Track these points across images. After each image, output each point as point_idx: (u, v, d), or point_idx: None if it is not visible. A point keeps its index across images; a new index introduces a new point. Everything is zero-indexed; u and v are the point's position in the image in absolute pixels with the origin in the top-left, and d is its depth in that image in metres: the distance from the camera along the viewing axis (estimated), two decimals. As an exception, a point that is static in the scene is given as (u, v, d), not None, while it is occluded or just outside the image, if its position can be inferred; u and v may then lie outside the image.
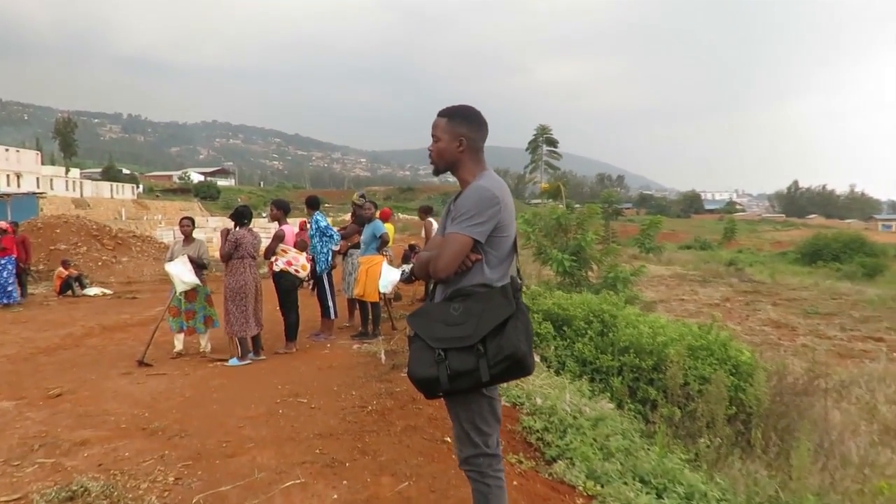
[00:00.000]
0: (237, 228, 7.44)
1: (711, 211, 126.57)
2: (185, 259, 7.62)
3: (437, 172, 2.77)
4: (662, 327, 7.36)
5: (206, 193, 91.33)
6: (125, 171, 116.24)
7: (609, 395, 6.30)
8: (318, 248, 8.48)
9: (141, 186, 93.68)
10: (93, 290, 15.13)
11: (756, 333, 15.20)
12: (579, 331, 7.28)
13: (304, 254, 7.93)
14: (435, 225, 10.81)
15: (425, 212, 11.17)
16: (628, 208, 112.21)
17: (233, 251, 7.27)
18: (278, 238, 7.70)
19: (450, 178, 2.82)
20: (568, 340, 7.22)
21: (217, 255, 7.87)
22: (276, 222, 7.92)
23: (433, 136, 2.71)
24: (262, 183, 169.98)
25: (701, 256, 41.37)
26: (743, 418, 6.29)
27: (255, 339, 7.47)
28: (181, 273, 7.52)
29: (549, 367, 6.69)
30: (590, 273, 12.91)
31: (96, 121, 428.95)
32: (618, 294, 10.58)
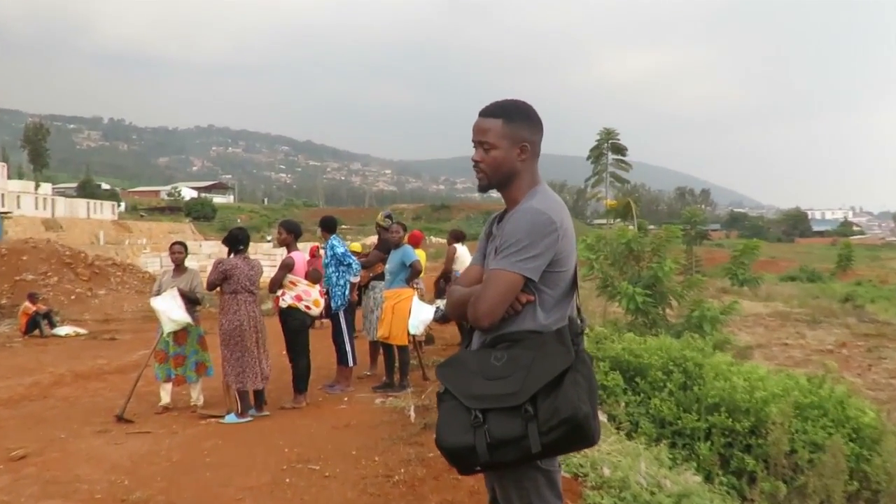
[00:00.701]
0: (231, 256, 7.54)
1: (821, 233, 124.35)
2: (175, 293, 7.75)
3: (485, 189, 2.70)
4: (761, 380, 7.21)
5: (199, 213, 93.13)
6: (105, 185, 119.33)
7: (695, 464, 6.18)
8: (334, 279, 8.55)
9: (123, 204, 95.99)
10: (64, 330, 15.45)
11: (882, 388, 14.78)
12: (656, 383, 7.18)
13: (317, 286, 7.99)
14: (462, 255, 10.82)
15: (456, 238, 11.15)
16: (715, 230, 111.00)
17: (219, 282, 7.37)
18: (286, 267, 7.78)
19: (493, 193, 2.75)
20: (642, 395, 7.11)
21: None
22: (285, 248, 8.02)
23: (482, 143, 2.63)
24: (266, 200, 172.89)
25: (809, 290, 40.58)
26: (868, 496, 6.11)
27: (258, 391, 7.52)
28: (170, 310, 7.65)
29: (618, 428, 6.59)
30: (668, 311, 12.73)
31: (72, 126, 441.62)
32: (704, 337, 10.41)
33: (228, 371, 7.34)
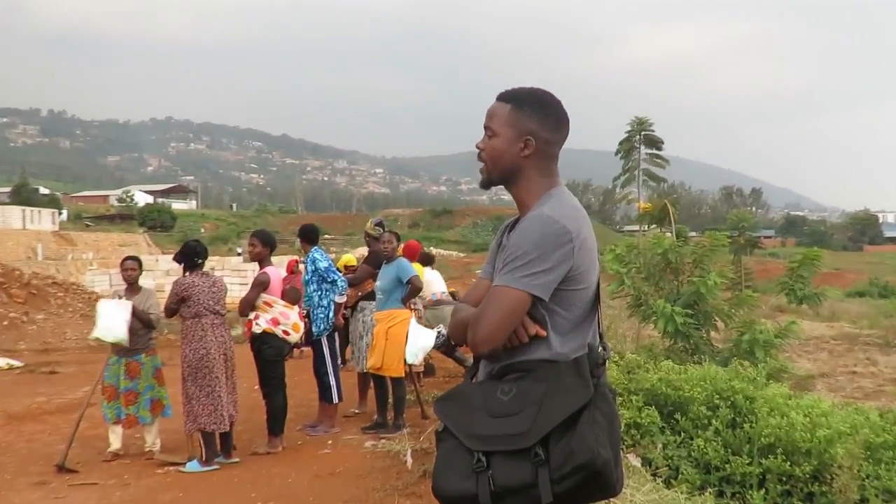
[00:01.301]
0: (187, 274, 7.57)
1: (894, 240, 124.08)
2: (129, 306, 7.71)
3: (486, 184, 2.74)
4: (825, 415, 7.20)
5: (156, 221, 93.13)
6: (43, 189, 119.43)
7: (746, 517, 6.15)
8: (316, 299, 8.57)
9: (65, 212, 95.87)
10: (-5, 362, 15.41)
11: (969, 424, 14.71)
12: (699, 421, 7.17)
13: (296, 308, 8.00)
14: (432, 281, 10.83)
15: (423, 261, 11.19)
16: (769, 237, 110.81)
17: (177, 306, 7.41)
18: (260, 285, 7.79)
19: (504, 194, 2.79)
20: (683, 435, 7.10)
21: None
22: (258, 263, 8.03)
23: (487, 128, 2.68)
24: (235, 205, 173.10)
25: (881, 308, 40.46)
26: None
27: (226, 434, 7.52)
28: (113, 319, 7.59)
29: (654, 474, 6.58)
30: (713, 334, 12.71)
31: (4, 120, 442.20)
32: (756, 365, 10.38)
33: (194, 410, 7.32)
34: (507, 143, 2.63)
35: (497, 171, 2.67)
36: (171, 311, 7.45)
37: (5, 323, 19.60)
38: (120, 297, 7.92)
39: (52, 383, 13.09)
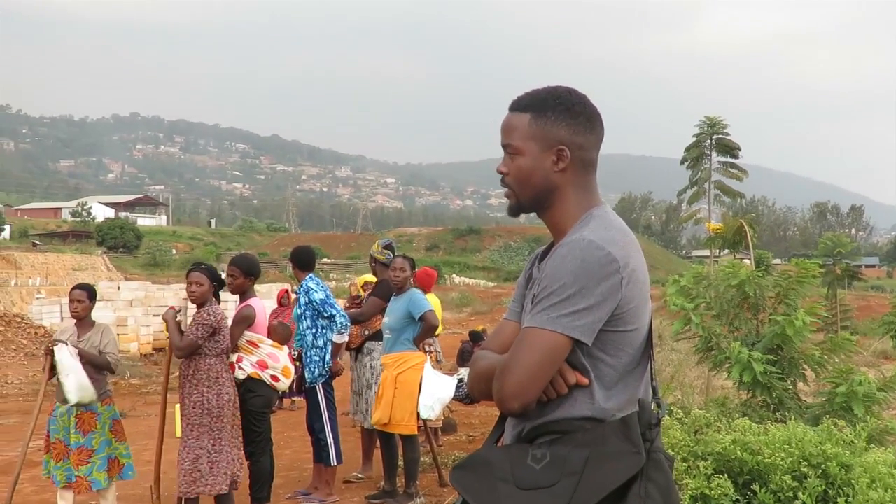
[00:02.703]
0: (213, 303, 7.57)
1: None
2: (72, 350, 7.69)
3: (516, 212, 2.74)
4: (939, 488, 7.14)
5: (117, 239, 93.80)
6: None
7: None
8: (310, 338, 8.61)
9: (7, 228, 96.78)
10: (-79, 410, 15.55)
11: None
12: (783, 493, 7.13)
13: (286, 348, 8.03)
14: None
15: (473, 339, 11.21)
16: (871, 266, 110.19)
17: (205, 339, 7.42)
18: (244, 321, 7.82)
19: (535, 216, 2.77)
20: (762, 510, 7.07)
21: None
22: (239, 295, 8.08)
23: (506, 146, 2.68)
24: (213, 221, 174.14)
25: None
26: None
27: (224, 496, 7.54)
28: (81, 373, 7.58)
29: (727, 559, 6.56)
30: (801, 385, 12.64)
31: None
32: (854, 425, 10.30)
33: (202, 468, 7.32)
34: (534, 159, 2.63)
35: (528, 195, 2.67)
36: (193, 348, 7.38)
37: (-66, 363, 19.77)
38: (59, 341, 7.77)
39: (-10, 436, 13.15)
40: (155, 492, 7.62)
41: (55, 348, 7.74)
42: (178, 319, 7.46)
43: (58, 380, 7.62)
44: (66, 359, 7.57)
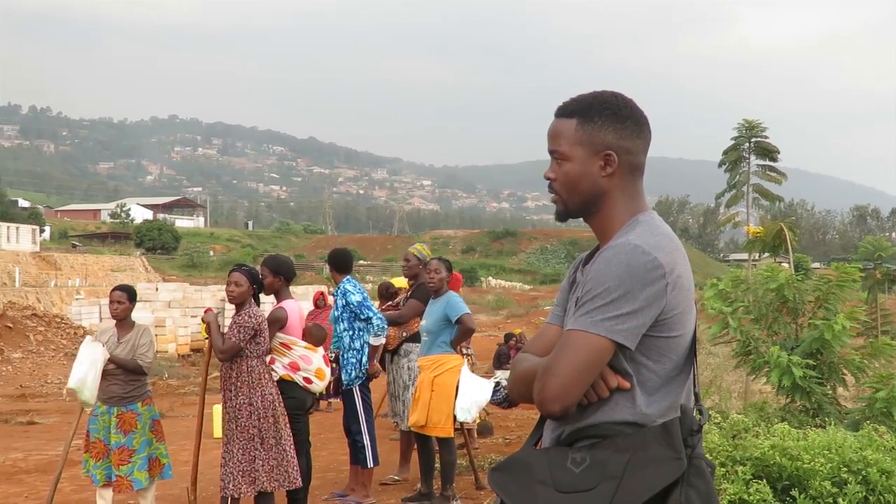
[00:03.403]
0: (252, 305, 7.58)
1: None
2: (103, 352, 7.75)
3: (564, 217, 2.73)
4: (982, 496, 7.05)
5: (155, 241, 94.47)
6: (22, 202, 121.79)
7: None
8: (347, 340, 8.61)
9: (48, 229, 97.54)
10: (-37, 410, 15.69)
11: None
12: (823, 499, 7.06)
13: (321, 350, 8.02)
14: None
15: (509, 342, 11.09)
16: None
17: (247, 342, 7.44)
18: (276, 323, 7.81)
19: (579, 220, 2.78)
20: (801, 517, 7.00)
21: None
22: (274, 295, 8.09)
23: (553, 152, 2.68)
24: (251, 223, 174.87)
25: None
26: None
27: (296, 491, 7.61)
28: (92, 372, 7.61)
29: (765, 565, 6.51)
30: (841, 391, 12.52)
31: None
32: (895, 431, 10.22)
33: (257, 468, 7.36)
34: (582, 164, 2.62)
35: (576, 201, 2.67)
36: (235, 350, 7.39)
37: (-25, 363, 19.92)
38: (101, 342, 7.84)
39: (30, 436, 13.27)
40: (192, 493, 7.64)
41: (87, 339, 7.84)
42: (243, 316, 7.51)
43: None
44: (88, 352, 7.67)
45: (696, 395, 2.64)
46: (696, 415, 2.53)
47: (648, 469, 2.36)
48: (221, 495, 7.46)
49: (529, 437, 2.71)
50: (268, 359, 7.77)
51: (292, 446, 7.52)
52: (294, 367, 7.79)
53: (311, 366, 7.84)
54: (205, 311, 7.83)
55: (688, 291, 2.58)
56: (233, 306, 7.62)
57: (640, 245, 2.48)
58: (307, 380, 7.82)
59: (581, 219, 2.74)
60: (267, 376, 7.51)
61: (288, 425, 7.57)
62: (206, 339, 7.74)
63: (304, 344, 7.89)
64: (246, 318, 7.40)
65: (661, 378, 2.54)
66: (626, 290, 2.43)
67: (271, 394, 7.47)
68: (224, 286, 7.78)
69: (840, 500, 7.08)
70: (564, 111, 2.67)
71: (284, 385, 7.75)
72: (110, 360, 7.67)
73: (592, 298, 2.46)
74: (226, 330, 7.57)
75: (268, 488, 7.37)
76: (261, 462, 7.37)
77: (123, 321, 8.02)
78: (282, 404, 7.52)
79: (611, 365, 2.48)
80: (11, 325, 22.60)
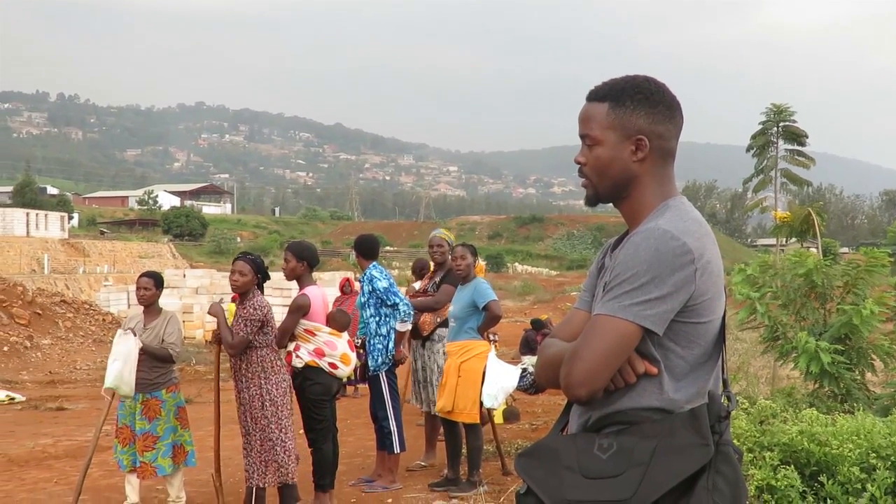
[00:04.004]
0: (257, 293, 7.64)
1: None
2: (136, 343, 7.76)
3: (594, 201, 2.73)
4: None
5: (183, 228, 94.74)
6: (51, 189, 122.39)
7: None
8: (374, 326, 8.60)
9: (76, 216, 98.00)
10: (-7, 395, 15.80)
11: None
12: (851, 485, 7.03)
13: (345, 335, 8.01)
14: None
15: (536, 328, 11.09)
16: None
17: (255, 334, 7.49)
18: (298, 310, 7.80)
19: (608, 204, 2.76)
20: (829, 502, 6.97)
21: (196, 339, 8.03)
22: (297, 282, 8.10)
23: (584, 136, 2.67)
24: (278, 209, 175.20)
25: None
26: None
27: (291, 486, 7.61)
28: (127, 367, 7.63)
29: (793, 551, 6.48)
30: (870, 376, 12.44)
31: (6, 106, 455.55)
32: (925, 417, 10.15)
33: (280, 458, 7.42)
34: (614, 149, 2.61)
35: (606, 186, 2.66)
36: (245, 345, 7.44)
37: (6, 349, 20.01)
38: (129, 328, 7.88)
39: (60, 422, 13.36)
40: (217, 479, 7.68)
41: (120, 332, 7.85)
42: (248, 309, 7.54)
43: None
44: (122, 346, 7.66)
45: (724, 381, 2.63)
46: (725, 401, 2.51)
47: (675, 455, 2.36)
48: (247, 486, 7.53)
49: (556, 424, 2.71)
50: (292, 346, 7.80)
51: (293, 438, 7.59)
52: (319, 353, 7.79)
53: (336, 351, 7.84)
54: (210, 306, 7.90)
55: (717, 277, 2.57)
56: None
57: (669, 230, 2.47)
58: (332, 365, 7.82)
59: (610, 204, 2.73)
60: (279, 364, 7.59)
61: (292, 415, 7.64)
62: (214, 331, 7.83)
63: (329, 330, 7.88)
64: (251, 310, 7.44)
65: (690, 364, 2.53)
66: (655, 276, 2.42)
67: (285, 381, 7.58)
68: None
69: (869, 485, 7.05)
70: (596, 95, 2.65)
71: (310, 371, 7.78)
72: (142, 350, 7.71)
73: (621, 283, 2.45)
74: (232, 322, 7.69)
75: (289, 480, 7.44)
76: (281, 450, 7.44)
77: (150, 307, 8.06)
78: (293, 393, 7.60)
79: (638, 350, 2.47)
80: (41, 312, 22.75)
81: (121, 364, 7.56)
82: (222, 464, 7.87)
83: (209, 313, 7.77)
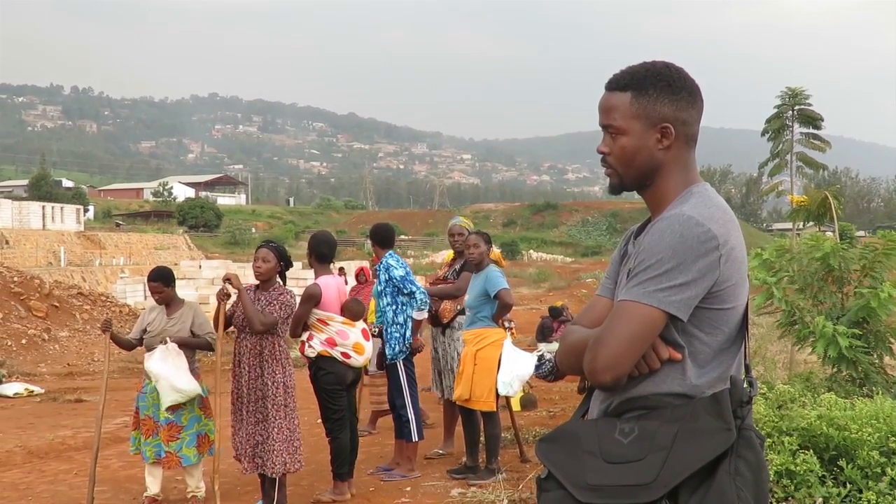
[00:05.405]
0: (278, 281, 7.76)
1: None
2: (171, 350, 7.69)
3: (618, 189, 2.73)
4: None
5: (198, 219, 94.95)
6: (67, 182, 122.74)
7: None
8: (390, 314, 8.58)
9: (91, 208, 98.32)
10: (12, 388, 15.87)
11: None
12: (870, 469, 7.01)
13: (360, 325, 7.99)
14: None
15: (553, 315, 11.07)
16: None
17: (283, 321, 7.61)
18: (310, 300, 7.79)
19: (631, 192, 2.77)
20: (849, 487, 6.96)
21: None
22: (312, 271, 8.14)
23: (607, 126, 2.65)
24: (292, 199, 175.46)
25: None
26: None
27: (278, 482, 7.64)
28: (172, 376, 7.55)
29: (813, 535, 6.48)
30: (888, 360, 12.40)
31: (21, 99, 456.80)
32: (944, 400, 10.11)
33: (295, 446, 7.51)
34: (638, 138, 2.61)
35: (631, 175, 2.66)
36: (273, 326, 7.55)
37: (24, 341, 20.08)
38: (165, 342, 7.74)
39: (78, 414, 13.39)
40: (216, 468, 7.70)
41: (145, 363, 7.80)
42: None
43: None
44: (155, 365, 7.59)
45: (746, 366, 2.62)
46: (746, 386, 2.51)
47: (698, 440, 2.36)
48: (269, 476, 7.53)
49: (577, 409, 2.72)
50: (305, 335, 7.80)
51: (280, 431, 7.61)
52: (331, 343, 7.77)
53: (348, 340, 7.81)
54: (230, 277, 7.72)
55: (741, 263, 2.57)
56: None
57: (693, 216, 2.47)
58: (345, 355, 7.80)
59: (633, 191, 2.73)
60: (288, 355, 7.71)
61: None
62: (219, 314, 7.73)
63: (342, 319, 7.84)
64: (288, 297, 7.57)
65: (713, 350, 2.53)
66: (680, 262, 2.43)
67: (292, 373, 7.70)
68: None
69: (888, 469, 7.03)
70: (617, 84, 2.64)
71: (323, 361, 7.79)
72: (181, 345, 7.72)
73: (645, 269, 2.46)
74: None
75: (302, 465, 7.57)
76: (297, 439, 7.56)
77: (170, 303, 8.03)
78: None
79: (662, 336, 2.48)
80: (58, 304, 22.81)
81: (164, 382, 7.53)
82: (230, 454, 7.87)
83: (233, 286, 7.58)
